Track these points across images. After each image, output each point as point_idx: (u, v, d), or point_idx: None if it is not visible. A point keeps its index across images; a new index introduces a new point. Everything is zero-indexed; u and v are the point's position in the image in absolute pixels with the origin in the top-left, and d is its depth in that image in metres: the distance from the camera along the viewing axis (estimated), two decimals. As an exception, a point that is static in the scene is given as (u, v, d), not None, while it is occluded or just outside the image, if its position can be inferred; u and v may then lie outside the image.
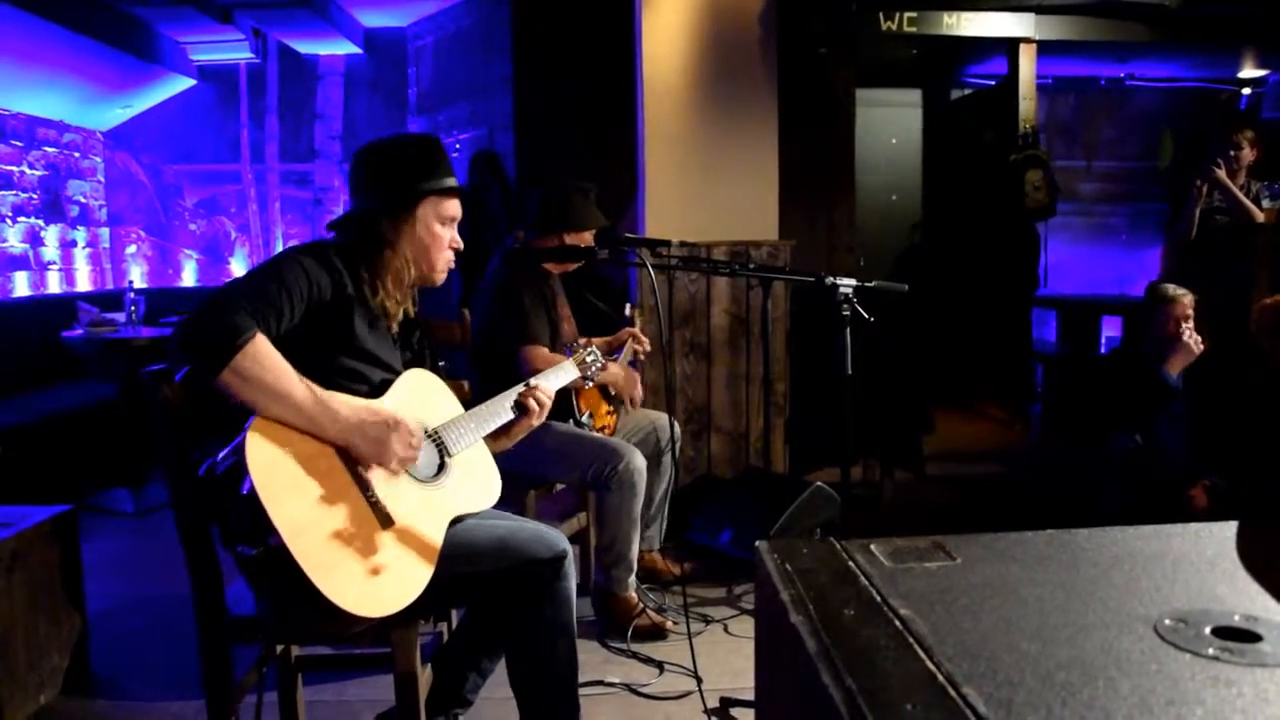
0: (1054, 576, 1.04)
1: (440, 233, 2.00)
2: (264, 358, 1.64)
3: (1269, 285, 3.91)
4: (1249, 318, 3.38)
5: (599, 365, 2.39)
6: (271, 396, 1.64)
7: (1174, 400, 3.35)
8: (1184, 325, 3.31)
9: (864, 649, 0.85)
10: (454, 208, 2.03)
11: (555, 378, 2.25)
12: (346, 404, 1.74)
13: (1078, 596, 0.98)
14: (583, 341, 2.76)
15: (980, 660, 0.83)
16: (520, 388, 2.08)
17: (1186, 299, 3.34)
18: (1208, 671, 0.80)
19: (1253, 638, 0.86)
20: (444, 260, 2.03)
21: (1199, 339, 3.30)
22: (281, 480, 1.62)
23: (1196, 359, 3.31)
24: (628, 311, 3.44)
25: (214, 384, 1.62)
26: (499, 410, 2.03)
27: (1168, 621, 0.90)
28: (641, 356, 3.25)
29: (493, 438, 2.07)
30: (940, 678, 0.79)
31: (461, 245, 2.05)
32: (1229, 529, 1.15)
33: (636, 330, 3.23)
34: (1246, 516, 1.13)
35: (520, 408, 2.06)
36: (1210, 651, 0.84)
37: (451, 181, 2.02)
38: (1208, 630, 0.88)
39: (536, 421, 2.09)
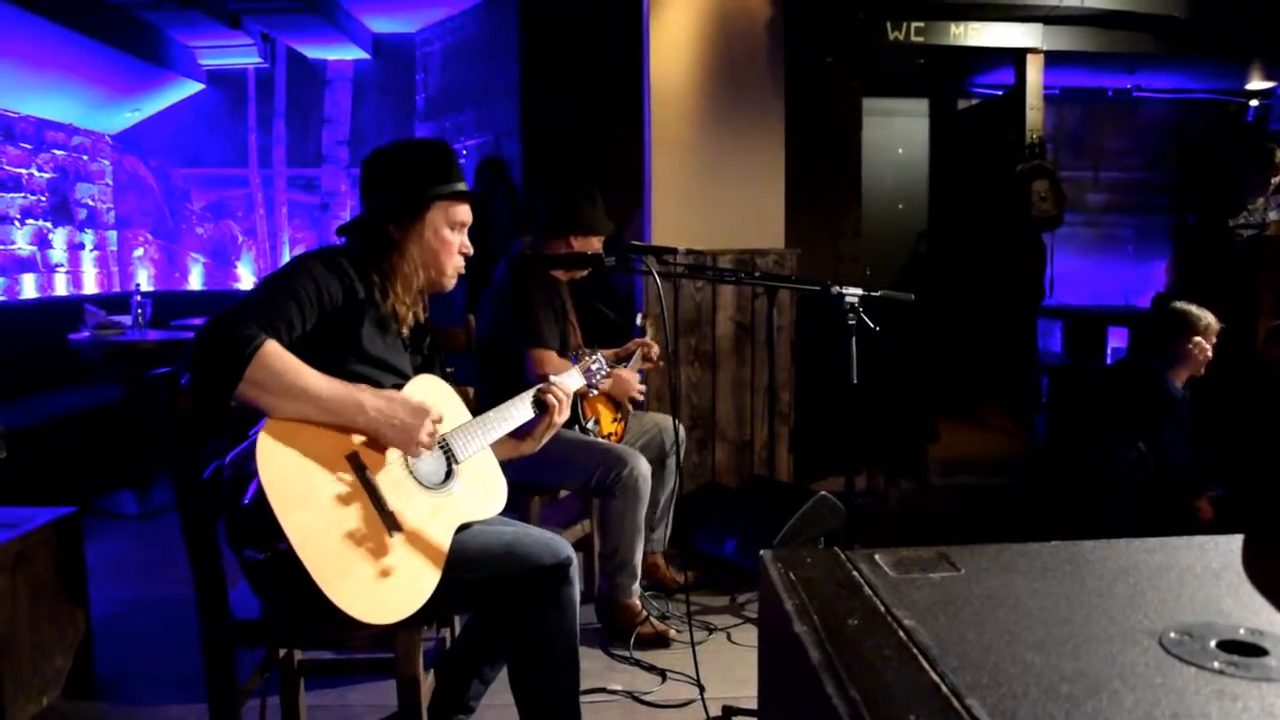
0: (1058, 588, 1.03)
1: (450, 238, 1.99)
2: (277, 361, 1.63)
3: (1273, 296, 3.91)
4: (1254, 329, 3.38)
5: (604, 374, 2.38)
6: (292, 397, 1.64)
7: (1178, 410, 3.35)
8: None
9: (867, 659, 0.85)
10: (464, 213, 2.01)
11: (564, 381, 2.25)
12: (371, 392, 1.74)
13: (1082, 608, 0.97)
14: (587, 350, 2.76)
15: (984, 672, 0.83)
16: (534, 389, 2.07)
17: (1215, 327, 3.33)
18: (1213, 685, 0.80)
19: (1258, 651, 0.86)
20: (453, 266, 2.01)
21: (1208, 353, 3.31)
22: (291, 486, 1.61)
23: (1202, 371, 3.32)
24: (639, 321, 3.43)
25: (234, 399, 1.61)
26: (507, 416, 2.01)
27: (1173, 634, 0.90)
28: (650, 367, 3.24)
29: (517, 440, 2.06)
30: (944, 689, 0.79)
31: (471, 250, 2.04)
32: (1234, 542, 1.14)
33: (647, 340, 3.22)
34: (1252, 529, 1.12)
35: (541, 405, 2.06)
36: (1216, 665, 0.83)
37: (462, 186, 2.00)
38: (1213, 644, 0.88)
39: (559, 419, 2.07)
